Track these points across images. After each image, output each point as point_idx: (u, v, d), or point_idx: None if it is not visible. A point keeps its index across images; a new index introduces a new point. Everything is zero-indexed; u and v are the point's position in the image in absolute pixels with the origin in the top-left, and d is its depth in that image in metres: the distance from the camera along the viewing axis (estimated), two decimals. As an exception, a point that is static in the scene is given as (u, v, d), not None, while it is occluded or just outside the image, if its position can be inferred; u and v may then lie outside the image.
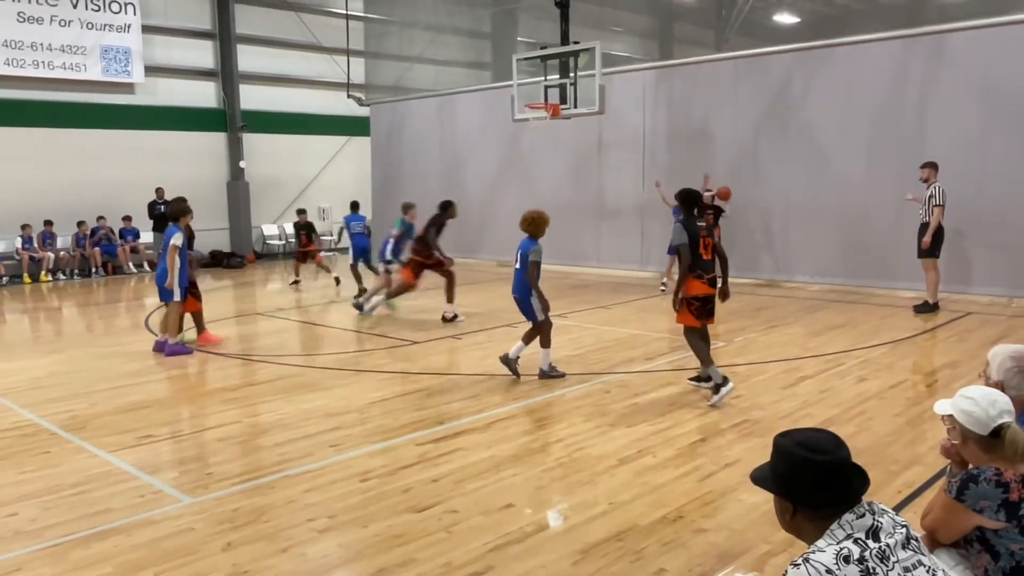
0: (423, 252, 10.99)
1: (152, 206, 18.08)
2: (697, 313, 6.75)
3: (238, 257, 20.11)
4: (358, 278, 13.37)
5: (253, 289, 16.39)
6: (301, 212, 16.05)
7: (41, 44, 17.50)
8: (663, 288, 13.14)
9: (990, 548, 2.66)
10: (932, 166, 10.84)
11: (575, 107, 13.25)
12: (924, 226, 10.83)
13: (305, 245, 15.86)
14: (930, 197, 10.71)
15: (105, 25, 18.37)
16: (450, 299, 11.04)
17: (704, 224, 6.81)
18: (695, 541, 4.22)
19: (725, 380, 6.61)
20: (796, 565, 1.96)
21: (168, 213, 9.79)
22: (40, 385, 8.05)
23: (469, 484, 5.06)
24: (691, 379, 7.25)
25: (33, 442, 6.18)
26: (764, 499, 4.64)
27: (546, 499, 4.87)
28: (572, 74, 13.23)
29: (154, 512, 4.75)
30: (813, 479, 2.04)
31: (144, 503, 4.90)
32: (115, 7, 18.51)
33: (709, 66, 15.05)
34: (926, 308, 10.87)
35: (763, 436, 5.84)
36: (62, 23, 17.79)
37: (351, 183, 23.06)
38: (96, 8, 18.23)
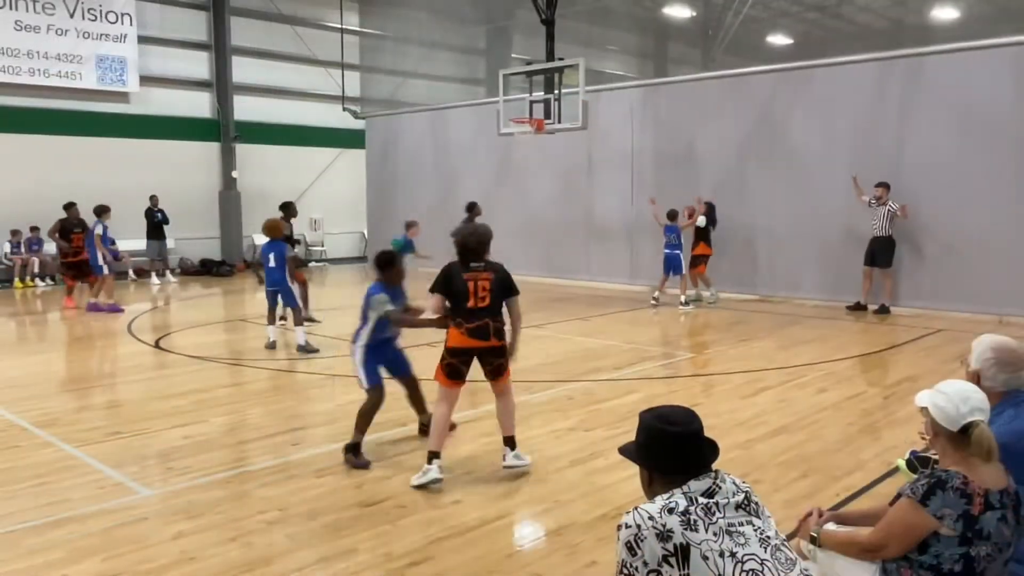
0: None
1: (149, 213, 18.29)
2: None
3: (228, 266, 20.27)
4: None
5: (242, 296, 16.51)
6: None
7: (37, 52, 17.73)
8: (654, 302, 13.26)
9: (921, 544, 2.68)
10: None
11: (559, 122, 13.46)
12: None
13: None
14: None
15: (101, 35, 18.62)
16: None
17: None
18: (631, 537, 4.33)
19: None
20: (628, 512, 2.13)
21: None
22: (18, 384, 8.17)
23: (421, 481, 5.18)
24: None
25: (3, 437, 6.30)
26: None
27: (493, 496, 4.99)
28: (556, 90, 13.45)
29: (111, 503, 4.88)
30: (665, 448, 2.20)
31: (103, 495, 5.03)
32: (111, 17, 18.77)
33: (695, 85, 15.28)
34: None
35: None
36: (58, 32, 18.04)
37: (345, 195, 23.28)
38: (93, 18, 18.48)
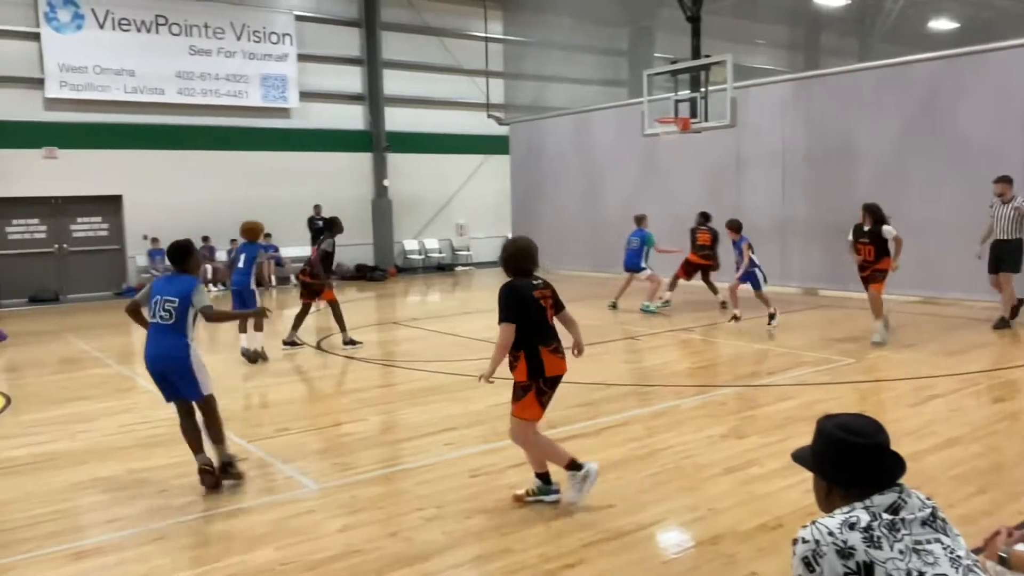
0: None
1: (310, 221, 19.34)
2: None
3: (380, 271, 21.12)
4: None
5: (393, 300, 17.15)
6: None
7: (208, 74, 19.15)
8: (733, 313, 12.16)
9: None
10: None
11: (706, 121, 13.20)
12: None
13: None
14: None
15: (265, 55, 19.88)
16: None
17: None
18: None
19: None
20: (805, 526, 2.04)
21: None
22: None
23: (572, 484, 5.20)
24: None
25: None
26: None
27: (646, 502, 4.94)
28: (703, 88, 13.19)
29: (282, 496, 5.19)
30: (848, 460, 2.09)
31: (274, 487, 5.36)
32: (274, 38, 19.99)
33: (850, 76, 14.59)
34: None
35: (880, 452, 5.67)
36: (227, 54, 19.39)
37: (490, 200, 23.76)
38: (257, 40, 19.76)
